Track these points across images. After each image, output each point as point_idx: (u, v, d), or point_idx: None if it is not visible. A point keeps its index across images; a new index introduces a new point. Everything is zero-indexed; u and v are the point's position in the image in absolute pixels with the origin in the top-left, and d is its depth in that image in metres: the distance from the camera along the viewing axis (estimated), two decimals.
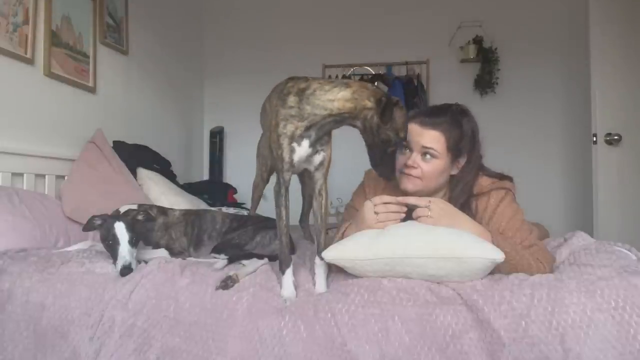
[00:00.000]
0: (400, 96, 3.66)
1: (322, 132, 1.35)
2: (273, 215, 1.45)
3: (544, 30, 3.79)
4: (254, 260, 1.52)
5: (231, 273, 1.37)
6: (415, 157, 1.45)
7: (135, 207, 1.72)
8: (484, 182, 1.49)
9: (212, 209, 2.57)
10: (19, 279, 1.44)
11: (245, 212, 2.72)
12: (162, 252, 1.69)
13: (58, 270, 1.46)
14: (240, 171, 3.96)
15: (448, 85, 3.83)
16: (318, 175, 1.42)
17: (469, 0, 3.89)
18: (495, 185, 1.48)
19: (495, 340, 1.10)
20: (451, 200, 1.47)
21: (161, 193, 2.62)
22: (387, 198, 1.37)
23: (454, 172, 1.51)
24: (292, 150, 1.34)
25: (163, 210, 1.85)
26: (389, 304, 1.20)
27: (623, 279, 1.15)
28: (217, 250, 1.67)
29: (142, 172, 2.71)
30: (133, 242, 1.50)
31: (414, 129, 1.44)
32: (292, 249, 1.69)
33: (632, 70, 3.04)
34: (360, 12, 4.06)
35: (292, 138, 1.33)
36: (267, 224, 1.79)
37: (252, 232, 1.74)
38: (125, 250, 1.47)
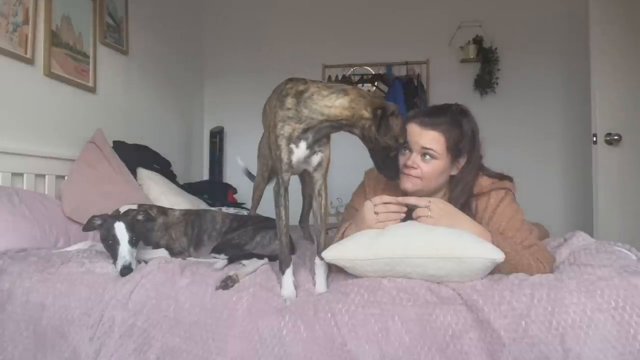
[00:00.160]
0: (400, 96, 3.67)
1: (320, 135, 1.36)
2: (274, 216, 1.45)
3: (544, 30, 3.79)
4: (254, 260, 1.52)
5: (231, 273, 1.37)
6: (415, 158, 1.45)
7: (135, 207, 1.72)
8: (484, 182, 1.49)
9: (212, 209, 2.57)
10: (19, 279, 1.44)
11: (245, 212, 2.72)
12: (162, 252, 1.69)
13: (58, 270, 1.46)
14: (240, 171, 3.96)
15: (448, 85, 3.83)
16: (317, 176, 1.42)
17: (469, 0, 3.89)
18: (495, 185, 1.48)
19: (495, 340, 1.10)
20: (451, 200, 1.47)
21: (161, 193, 2.62)
22: (387, 198, 1.37)
23: (454, 172, 1.50)
24: (290, 152, 1.34)
25: (163, 210, 1.85)
26: (389, 304, 1.20)
27: (623, 279, 1.15)
28: (217, 250, 1.67)
29: (142, 172, 2.71)
30: (133, 242, 1.50)
31: (414, 129, 1.44)
32: (292, 249, 1.69)
33: (632, 70, 3.04)
34: (360, 12, 4.06)
35: (290, 139, 1.33)
36: (267, 224, 1.79)
37: (252, 232, 1.74)
38: (125, 250, 1.47)
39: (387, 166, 1.39)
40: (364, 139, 1.34)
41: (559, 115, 3.80)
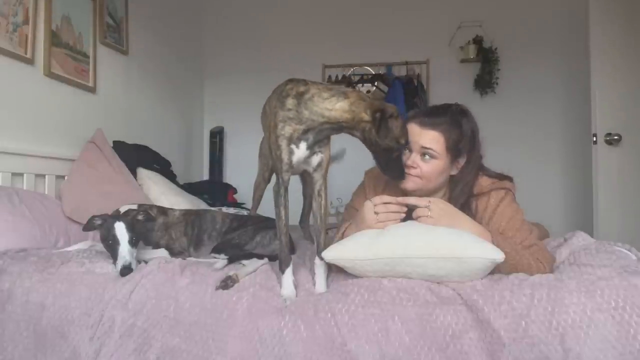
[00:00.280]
0: (400, 96, 3.66)
1: (320, 136, 1.36)
2: (274, 215, 1.45)
3: (544, 30, 3.79)
4: (254, 260, 1.52)
5: (231, 273, 1.37)
6: (415, 157, 1.45)
7: (135, 207, 1.72)
8: (484, 182, 1.49)
9: (212, 209, 2.57)
10: (19, 279, 1.44)
11: (245, 212, 2.72)
12: (162, 252, 1.69)
13: (58, 270, 1.46)
14: (240, 171, 3.97)
15: (448, 85, 3.83)
16: (317, 176, 1.42)
17: (469, 0, 3.89)
18: (495, 185, 1.48)
19: (495, 340, 1.10)
20: (451, 200, 1.47)
21: (161, 193, 2.62)
22: (387, 198, 1.37)
23: (454, 172, 1.50)
24: (290, 152, 1.34)
25: (163, 210, 1.85)
26: (389, 304, 1.20)
27: (623, 279, 1.15)
28: (217, 250, 1.67)
29: (142, 172, 2.71)
30: (133, 242, 1.50)
31: (414, 129, 1.44)
32: (292, 249, 1.69)
33: (632, 70, 3.03)
34: (360, 12, 4.06)
35: (291, 140, 1.33)
36: (267, 224, 1.79)
37: (252, 232, 1.74)
38: (125, 250, 1.47)
39: (391, 167, 1.39)
40: (365, 141, 1.35)
41: (559, 115, 3.80)
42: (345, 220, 1.62)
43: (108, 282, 1.40)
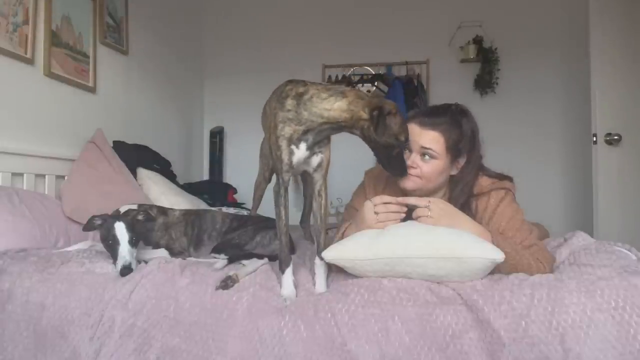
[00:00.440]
0: (400, 96, 3.66)
1: (320, 136, 1.36)
2: (274, 215, 1.45)
3: (544, 30, 3.79)
4: (254, 260, 1.52)
5: (231, 273, 1.37)
6: (415, 158, 1.45)
7: (135, 207, 1.72)
8: (484, 182, 1.49)
9: (212, 209, 2.57)
10: (19, 279, 1.44)
11: (245, 212, 2.72)
12: (162, 252, 1.69)
13: (58, 270, 1.46)
14: (240, 171, 3.97)
15: (448, 85, 3.83)
16: (317, 177, 1.43)
17: (469, 0, 3.89)
18: (495, 185, 1.48)
19: (495, 340, 1.10)
20: (451, 200, 1.47)
21: (161, 193, 2.62)
22: (387, 198, 1.37)
23: (454, 172, 1.50)
24: (290, 153, 1.35)
25: (163, 210, 1.85)
26: (389, 304, 1.20)
27: (623, 279, 1.15)
28: (217, 250, 1.67)
29: (142, 172, 2.71)
30: (133, 242, 1.50)
31: (413, 129, 1.44)
32: (292, 249, 1.69)
33: (632, 70, 3.03)
34: (360, 12, 4.06)
35: (291, 140, 1.34)
36: (267, 224, 1.79)
37: (252, 232, 1.74)
38: (125, 250, 1.47)
39: (392, 164, 1.39)
40: (364, 139, 1.35)
41: (559, 115, 3.80)
42: (345, 220, 1.62)
43: (108, 282, 1.40)
